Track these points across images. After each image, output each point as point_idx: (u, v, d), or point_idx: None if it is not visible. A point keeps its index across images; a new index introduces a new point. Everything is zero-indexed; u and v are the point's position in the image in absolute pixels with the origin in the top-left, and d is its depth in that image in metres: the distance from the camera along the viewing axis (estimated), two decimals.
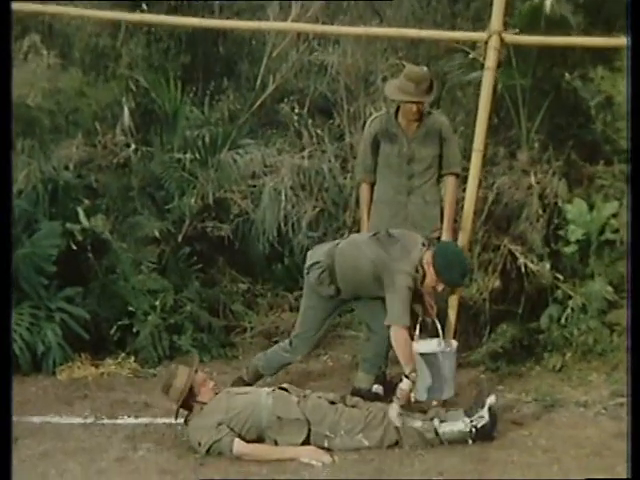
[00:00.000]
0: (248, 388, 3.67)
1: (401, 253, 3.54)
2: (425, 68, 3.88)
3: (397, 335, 3.47)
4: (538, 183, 4.47)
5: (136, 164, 5.08)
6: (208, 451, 3.30)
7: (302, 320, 3.82)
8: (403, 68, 4.94)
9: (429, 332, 3.76)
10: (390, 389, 3.74)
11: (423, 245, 3.58)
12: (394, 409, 3.37)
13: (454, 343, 3.65)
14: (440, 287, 3.58)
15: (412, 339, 3.58)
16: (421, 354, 3.53)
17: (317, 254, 3.75)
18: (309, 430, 3.33)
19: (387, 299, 3.51)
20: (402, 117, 3.88)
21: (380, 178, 3.97)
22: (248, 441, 3.32)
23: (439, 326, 3.61)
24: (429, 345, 3.61)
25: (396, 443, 3.35)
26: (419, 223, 3.89)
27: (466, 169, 3.86)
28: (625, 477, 2.83)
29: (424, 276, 3.52)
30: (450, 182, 3.92)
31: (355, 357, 4.43)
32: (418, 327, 3.61)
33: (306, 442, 3.33)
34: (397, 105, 3.94)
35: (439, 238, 3.87)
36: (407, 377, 3.40)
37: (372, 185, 4.00)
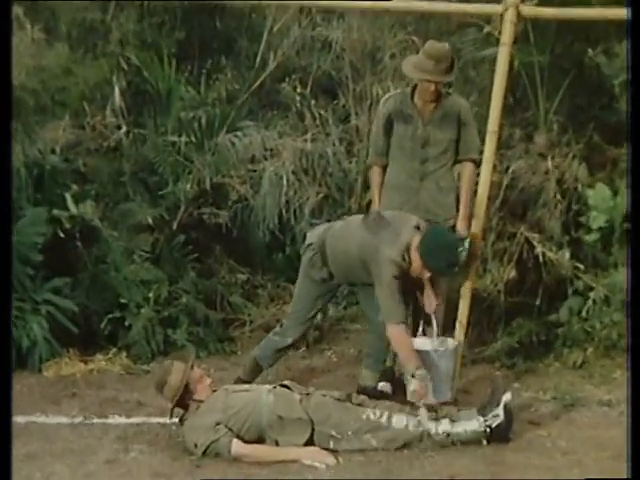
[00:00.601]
0: (248, 386, 3.65)
1: (390, 237, 3.50)
2: (447, 45, 3.80)
3: (393, 332, 3.45)
4: (557, 167, 4.46)
5: (128, 147, 5.07)
6: (205, 452, 3.27)
7: (294, 301, 3.89)
8: (412, 44, 4.94)
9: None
10: (399, 386, 3.73)
11: (415, 228, 3.54)
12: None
13: (453, 342, 3.62)
14: (426, 275, 3.52)
15: (415, 332, 3.55)
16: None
17: (312, 235, 3.80)
18: (312, 430, 3.31)
19: (376, 292, 3.51)
20: (418, 97, 3.84)
21: (392, 161, 3.94)
22: (248, 441, 3.30)
23: (434, 322, 3.59)
24: (424, 342, 3.58)
25: (404, 445, 3.33)
26: (432, 210, 3.86)
27: (480, 152, 3.85)
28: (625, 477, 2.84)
29: (410, 263, 3.48)
30: (467, 168, 3.89)
31: (361, 352, 4.40)
32: (422, 322, 3.58)
33: (309, 443, 3.31)
34: (414, 84, 3.90)
35: (454, 227, 3.84)
36: (413, 376, 3.36)
37: (384, 168, 3.98)
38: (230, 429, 3.27)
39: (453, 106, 3.84)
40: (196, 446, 3.28)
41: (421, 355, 3.48)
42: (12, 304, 3.71)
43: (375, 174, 4.00)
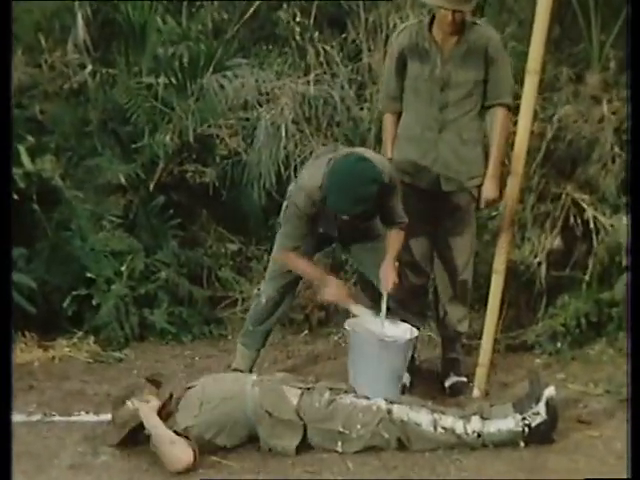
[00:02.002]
0: (231, 374, 3.68)
1: (315, 167, 3.58)
2: None
3: (286, 259, 3.73)
4: (614, 113, 4.43)
5: (94, 91, 5.04)
6: None
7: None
8: None
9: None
10: (421, 377, 3.74)
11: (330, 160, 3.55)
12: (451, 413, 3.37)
13: (409, 332, 3.60)
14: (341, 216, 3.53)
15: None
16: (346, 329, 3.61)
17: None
18: (305, 434, 3.34)
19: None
20: (437, 28, 3.77)
21: (406, 108, 3.91)
22: (235, 440, 3.36)
23: (384, 304, 3.58)
24: (363, 322, 3.60)
25: (426, 446, 3.32)
26: (453, 167, 3.83)
27: (518, 96, 3.80)
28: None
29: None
30: (499, 116, 3.83)
31: None
32: (385, 300, 3.57)
33: (302, 447, 3.33)
34: (433, 12, 3.83)
35: (480, 187, 3.82)
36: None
37: (399, 116, 3.95)
38: (201, 436, 3.32)
39: (479, 39, 3.77)
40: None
41: (352, 337, 3.52)
42: (12, 304, 3.71)
43: (388, 123, 3.97)
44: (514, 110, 3.84)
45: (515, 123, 3.79)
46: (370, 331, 3.57)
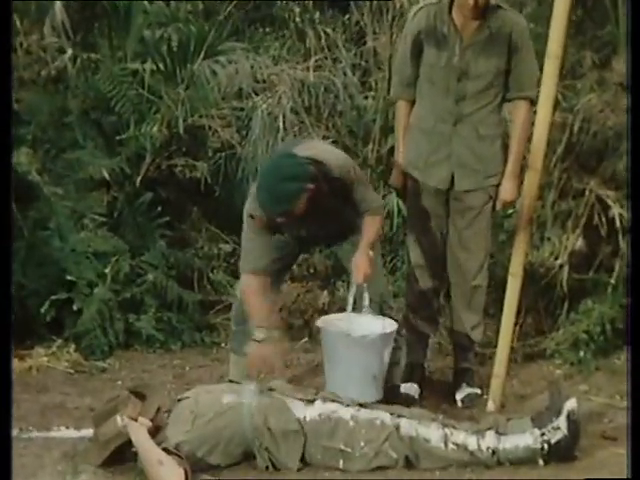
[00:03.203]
0: (225, 385, 3.68)
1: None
2: None
3: (242, 282, 3.71)
4: None
5: (74, 78, 5.03)
6: None
7: None
8: None
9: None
10: (431, 388, 3.74)
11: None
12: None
13: (386, 326, 3.57)
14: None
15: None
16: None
17: None
18: (304, 447, 3.34)
19: None
20: (457, 11, 3.76)
21: (420, 98, 3.92)
22: (233, 457, 3.37)
23: (351, 297, 3.53)
24: (337, 318, 3.61)
25: (436, 464, 3.32)
26: (468, 164, 3.83)
27: (537, 83, 3.78)
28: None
29: None
30: (521, 110, 3.84)
31: None
32: (352, 294, 3.55)
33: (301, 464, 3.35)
34: None
35: (497, 186, 3.83)
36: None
37: (412, 104, 3.96)
38: (194, 453, 3.32)
39: (504, 26, 3.76)
40: None
41: (324, 335, 3.53)
42: (12, 306, 3.72)
43: (401, 111, 3.97)
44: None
45: (534, 113, 3.77)
46: (340, 327, 3.57)
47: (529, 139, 3.78)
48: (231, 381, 3.93)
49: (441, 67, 3.79)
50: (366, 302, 3.54)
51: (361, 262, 3.53)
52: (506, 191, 3.80)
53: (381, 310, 3.66)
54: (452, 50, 3.76)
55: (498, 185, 3.83)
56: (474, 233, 3.87)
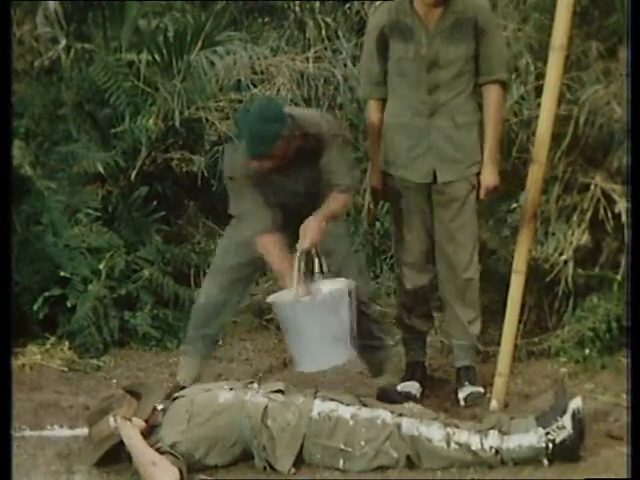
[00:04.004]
0: (222, 384, 3.65)
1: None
2: None
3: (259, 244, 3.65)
4: None
5: (68, 69, 5.06)
6: None
7: None
8: None
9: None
10: (432, 387, 3.74)
11: None
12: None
13: (337, 288, 3.53)
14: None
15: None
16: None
17: None
18: (302, 446, 3.35)
19: None
20: (419, 1, 3.79)
21: (392, 93, 3.92)
22: (230, 458, 3.37)
23: (297, 262, 3.50)
24: (287, 293, 3.56)
25: (437, 463, 3.32)
26: (448, 154, 3.84)
27: (541, 76, 3.81)
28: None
29: None
30: (493, 93, 3.83)
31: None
32: (318, 263, 3.54)
33: (299, 462, 3.35)
34: None
35: (479, 174, 3.83)
36: None
37: (383, 102, 3.96)
38: (190, 453, 3.33)
39: (467, 10, 3.77)
40: None
41: (281, 308, 3.53)
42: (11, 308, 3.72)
43: (372, 111, 3.97)
44: (538, 92, 3.85)
45: (538, 105, 3.78)
46: (285, 298, 3.55)
47: (534, 132, 3.77)
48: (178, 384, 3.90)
49: (410, 59, 3.80)
50: (317, 269, 3.53)
51: (310, 227, 3.52)
52: (487, 178, 3.81)
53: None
54: (419, 41, 3.77)
55: (479, 173, 3.83)
56: (460, 225, 3.86)
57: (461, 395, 3.94)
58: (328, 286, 3.54)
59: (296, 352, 3.54)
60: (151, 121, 4.92)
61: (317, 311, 3.47)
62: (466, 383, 3.96)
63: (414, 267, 3.95)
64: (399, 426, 3.34)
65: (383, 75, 3.89)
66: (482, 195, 3.86)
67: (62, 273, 4.53)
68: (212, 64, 4.99)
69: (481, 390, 3.94)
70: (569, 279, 4.36)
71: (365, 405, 3.45)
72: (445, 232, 3.88)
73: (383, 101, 3.93)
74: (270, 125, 3.44)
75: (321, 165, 3.60)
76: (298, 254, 3.50)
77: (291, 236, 3.60)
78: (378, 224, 5.14)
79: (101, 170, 4.79)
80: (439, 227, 3.89)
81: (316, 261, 3.53)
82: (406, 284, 3.97)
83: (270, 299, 3.61)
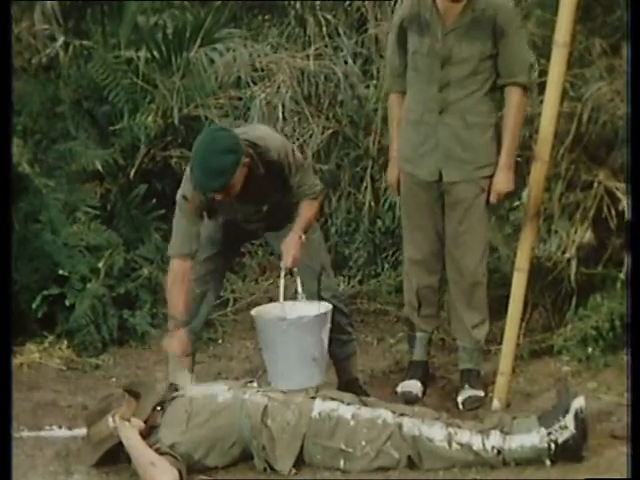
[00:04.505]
0: (221, 383, 3.65)
1: None
2: None
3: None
4: None
5: (66, 66, 5.07)
6: None
7: None
8: None
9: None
10: (434, 386, 3.74)
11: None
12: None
13: (312, 311, 3.58)
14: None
15: None
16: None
17: None
18: (302, 446, 3.34)
19: None
20: None
21: (409, 87, 3.90)
22: (229, 459, 3.37)
23: (282, 280, 3.55)
24: (271, 308, 3.64)
25: (438, 464, 3.31)
26: (455, 154, 3.79)
27: (544, 72, 3.80)
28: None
29: None
30: (512, 97, 3.78)
31: (382, 339, 4.47)
32: (282, 279, 3.57)
33: (299, 463, 3.34)
34: None
35: (491, 177, 3.78)
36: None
37: (404, 96, 3.94)
38: (189, 454, 3.33)
39: (487, 8, 3.72)
40: None
41: (262, 324, 3.56)
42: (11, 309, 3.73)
43: (393, 104, 3.98)
44: (541, 89, 3.83)
45: (541, 102, 3.76)
46: (274, 314, 3.59)
47: (536, 130, 3.75)
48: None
49: (424, 54, 3.76)
50: (299, 288, 3.58)
51: (291, 245, 3.54)
52: (499, 182, 3.76)
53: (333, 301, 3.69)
54: (434, 36, 3.74)
55: (492, 176, 3.78)
56: (468, 228, 3.81)
57: (459, 398, 3.90)
58: (311, 308, 3.59)
59: (272, 367, 3.57)
60: (150, 119, 4.93)
61: (304, 331, 3.51)
62: (466, 386, 3.92)
63: (422, 266, 3.92)
64: (400, 426, 3.33)
65: (403, 68, 3.87)
66: (492, 199, 3.79)
67: (61, 271, 4.52)
68: (211, 61, 5.01)
69: (480, 394, 3.90)
70: (572, 277, 4.35)
71: (366, 405, 3.44)
72: (452, 234, 3.84)
73: (404, 94, 3.91)
74: (225, 157, 3.36)
75: (292, 184, 3.58)
76: (282, 272, 3.54)
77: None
78: (379, 222, 5.15)
79: (100, 168, 4.80)
80: (448, 229, 3.85)
81: (298, 280, 3.58)
82: (412, 282, 3.95)
83: (254, 312, 3.63)
